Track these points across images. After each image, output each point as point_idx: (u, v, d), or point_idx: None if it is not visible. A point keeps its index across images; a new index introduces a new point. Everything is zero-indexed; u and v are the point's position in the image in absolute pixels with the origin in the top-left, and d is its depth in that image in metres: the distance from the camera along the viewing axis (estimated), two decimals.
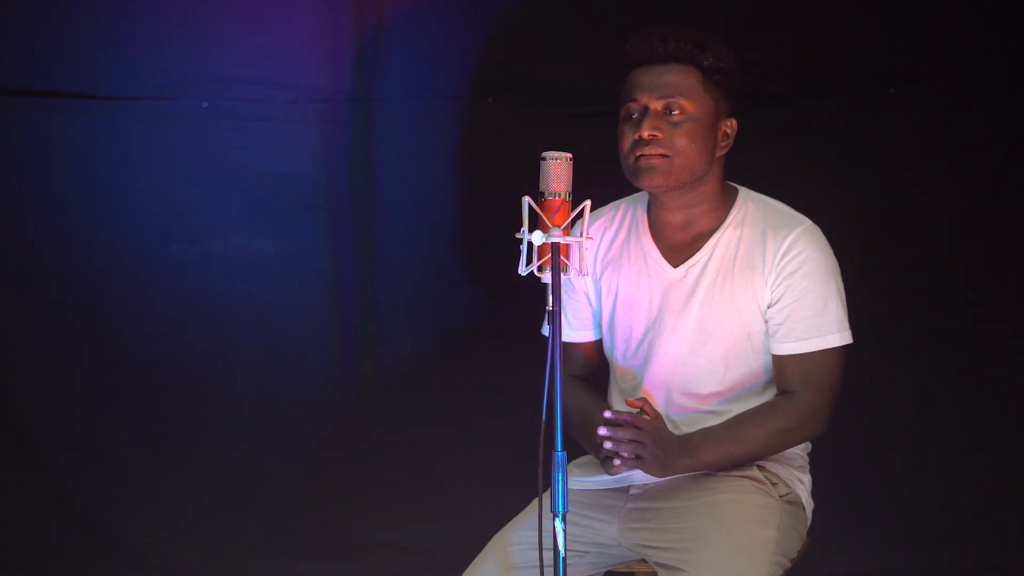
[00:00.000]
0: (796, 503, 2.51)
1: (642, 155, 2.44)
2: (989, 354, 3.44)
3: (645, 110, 2.45)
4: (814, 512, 2.59)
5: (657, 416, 2.42)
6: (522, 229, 2.18)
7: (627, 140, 2.47)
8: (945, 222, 3.42)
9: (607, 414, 2.37)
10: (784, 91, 3.39)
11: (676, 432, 2.48)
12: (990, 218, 3.41)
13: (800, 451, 2.58)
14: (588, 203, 2.20)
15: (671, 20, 3.15)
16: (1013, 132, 3.37)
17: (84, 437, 3.50)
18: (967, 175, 3.40)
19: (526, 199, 2.17)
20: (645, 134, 2.43)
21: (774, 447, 2.48)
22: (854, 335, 2.50)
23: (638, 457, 2.35)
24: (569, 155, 2.21)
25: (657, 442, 2.36)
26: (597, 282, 2.64)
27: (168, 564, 3.51)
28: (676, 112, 2.44)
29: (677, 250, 2.55)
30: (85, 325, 3.48)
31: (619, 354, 2.63)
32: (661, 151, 2.43)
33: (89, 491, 3.51)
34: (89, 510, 3.50)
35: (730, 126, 2.52)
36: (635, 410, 2.41)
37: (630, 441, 2.34)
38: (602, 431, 2.35)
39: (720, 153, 2.51)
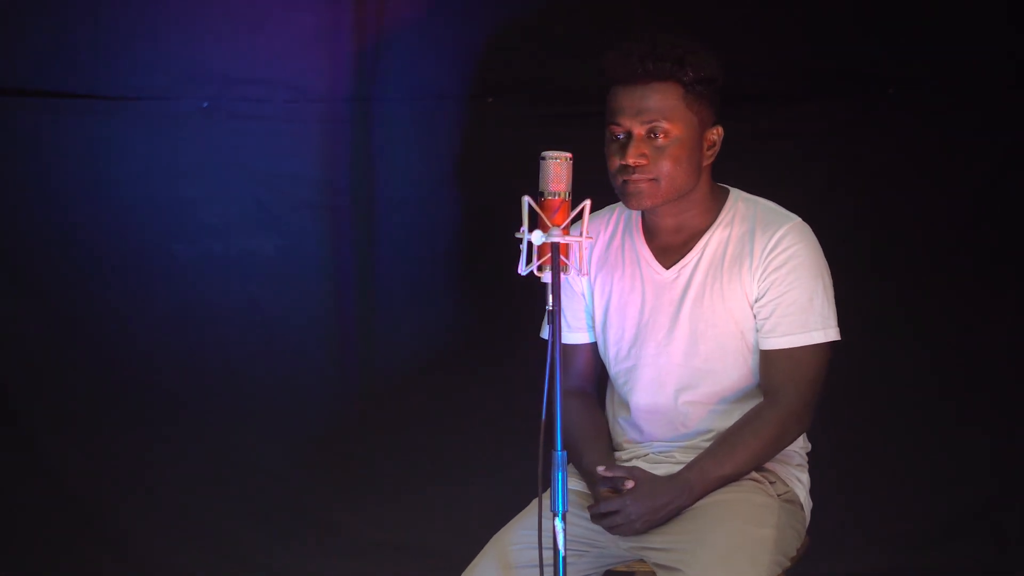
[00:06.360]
0: (795, 502, 2.51)
1: (628, 180, 2.44)
2: (989, 354, 3.44)
3: (629, 135, 2.44)
4: (813, 511, 2.59)
5: (639, 484, 2.41)
6: (522, 228, 2.18)
7: (614, 162, 2.46)
8: (945, 222, 3.42)
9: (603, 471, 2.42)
10: (784, 91, 3.38)
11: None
12: (990, 218, 3.41)
13: (799, 450, 2.58)
14: (588, 203, 2.20)
15: (671, 20, 3.16)
16: (1013, 132, 3.37)
17: (83, 436, 3.51)
18: (967, 175, 3.40)
19: (526, 199, 2.17)
20: (631, 161, 2.42)
21: (767, 456, 2.49)
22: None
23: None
24: (569, 155, 2.21)
25: (635, 509, 2.37)
26: (592, 284, 2.65)
27: (167, 562, 3.51)
28: (660, 136, 2.42)
29: (670, 251, 2.55)
30: (85, 324, 3.48)
31: (611, 356, 2.63)
32: (648, 176, 2.43)
33: (87, 489, 3.51)
34: (88, 507, 3.51)
35: (716, 134, 2.50)
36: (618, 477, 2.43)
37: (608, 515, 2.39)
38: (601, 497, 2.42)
39: (707, 163, 2.50)
